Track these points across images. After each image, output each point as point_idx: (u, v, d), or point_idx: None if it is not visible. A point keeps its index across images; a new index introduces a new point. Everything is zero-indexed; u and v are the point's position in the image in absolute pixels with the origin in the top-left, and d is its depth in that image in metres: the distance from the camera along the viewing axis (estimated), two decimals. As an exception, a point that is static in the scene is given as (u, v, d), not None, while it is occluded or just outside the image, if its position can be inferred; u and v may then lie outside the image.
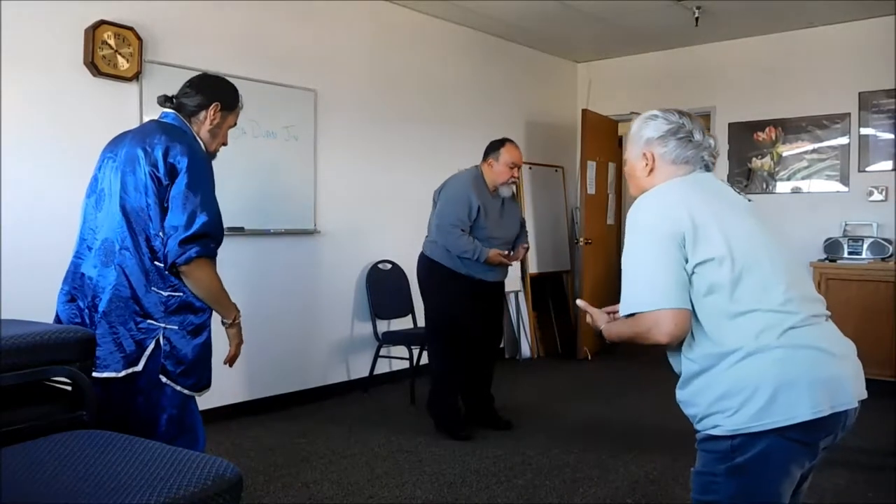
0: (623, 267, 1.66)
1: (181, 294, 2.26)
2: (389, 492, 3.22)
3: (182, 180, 2.20)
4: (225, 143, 2.49)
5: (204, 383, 2.36)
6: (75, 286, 2.31)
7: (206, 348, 2.35)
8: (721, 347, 1.55)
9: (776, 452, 1.52)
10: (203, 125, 2.39)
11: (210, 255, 2.24)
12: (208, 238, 2.22)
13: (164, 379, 2.25)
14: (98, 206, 2.31)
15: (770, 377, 1.50)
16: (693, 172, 1.75)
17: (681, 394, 1.67)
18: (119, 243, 2.23)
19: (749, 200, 1.77)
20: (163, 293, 2.24)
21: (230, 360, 2.48)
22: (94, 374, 2.18)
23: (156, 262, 2.23)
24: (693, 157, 1.75)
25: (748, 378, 1.52)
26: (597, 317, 1.88)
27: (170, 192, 2.20)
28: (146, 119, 3.25)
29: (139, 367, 2.22)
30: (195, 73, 2.61)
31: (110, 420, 2.17)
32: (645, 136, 1.79)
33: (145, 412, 2.27)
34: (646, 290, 1.59)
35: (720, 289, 1.55)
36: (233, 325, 2.43)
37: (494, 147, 4.05)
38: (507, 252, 4.01)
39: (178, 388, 2.28)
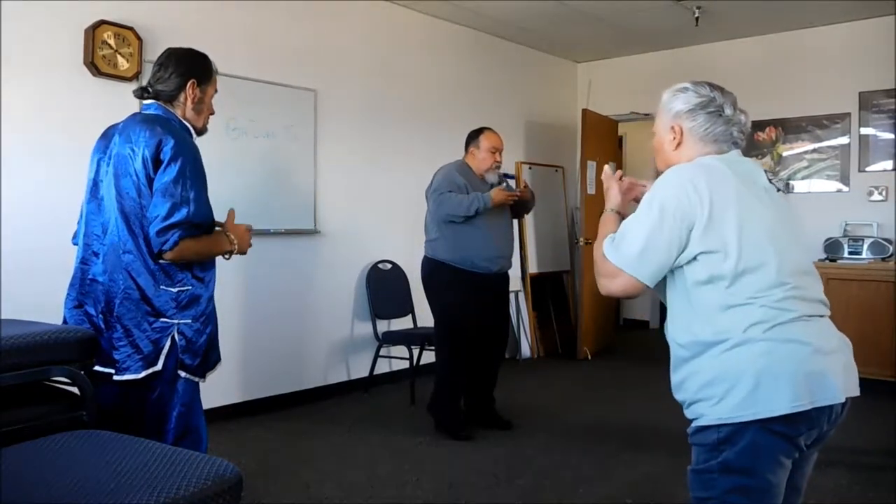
0: (628, 218, 1.69)
1: (190, 287, 2.29)
2: (389, 492, 3.22)
3: (167, 173, 2.19)
4: (212, 113, 2.46)
5: (211, 366, 2.41)
6: (83, 291, 2.32)
7: (216, 332, 2.40)
8: (710, 336, 1.57)
9: (762, 445, 1.53)
10: (185, 106, 2.36)
11: (193, 237, 2.22)
12: (191, 224, 2.20)
13: (182, 374, 2.28)
14: (101, 211, 2.31)
15: (753, 369, 1.52)
16: (727, 153, 1.71)
17: (672, 378, 1.69)
18: (122, 247, 2.23)
19: (779, 190, 1.73)
20: (172, 290, 2.25)
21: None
22: (115, 378, 2.22)
23: (160, 261, 2.24)
24: (723, 135, 1.72)
25: (732, 368, 1.54)
26: (611, 193, 1.89)
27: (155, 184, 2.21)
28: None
29: (158, 367, 2.24)
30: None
31: (123, 419, 2.21)
32: (674, 108, 1.76)
33: (158, 409, 2.30)
34: (626, 248, 1.62)
35: (719, 280, 1.56)
36: (233, 253, 2.42)
37: (474, 136, 4.13)
38: (503, 184, 4.03)
39: (197, 379, 2.33)
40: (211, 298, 2.37)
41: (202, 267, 2.34)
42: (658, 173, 1.77)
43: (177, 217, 2.17)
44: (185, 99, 2.35)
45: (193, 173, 2.23)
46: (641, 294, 1.66)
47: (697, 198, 1.58)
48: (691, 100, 1.74)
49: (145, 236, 2.22)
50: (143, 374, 2.22)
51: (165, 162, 2.19)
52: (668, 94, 1.80)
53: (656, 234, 1.59)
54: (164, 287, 2.24)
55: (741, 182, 1.63)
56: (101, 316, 2.27)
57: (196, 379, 2.33)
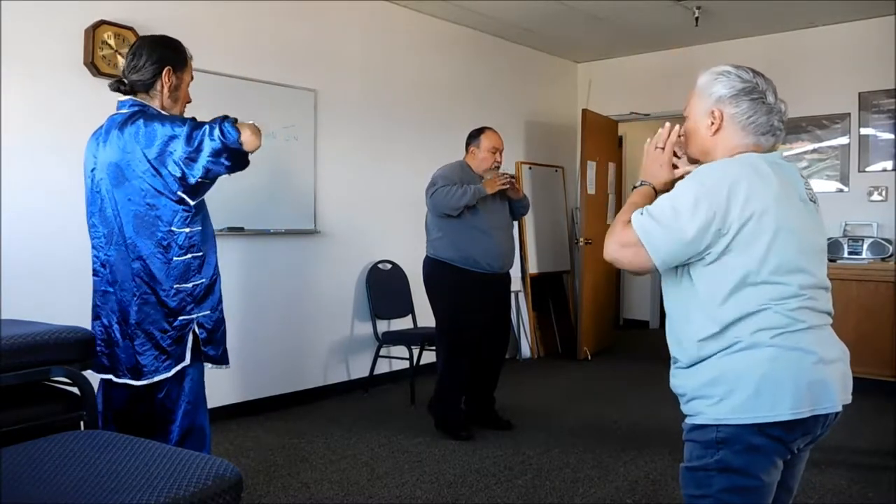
0: (662, 196, 1.61)
1: (204, 280, 2.32)
2: (389, 492, 3.22)
3: (178, 136, 2.20)
4: (189, 101, 2.45)
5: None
6: (97, 303, 2.36)
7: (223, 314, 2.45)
8: (720, 336, 1.55)
9: (759, 447, 1.54)
10: (162, 95, 2.35)
11: (229, 121, 2.21)
12: (223, 119, 2.22)
13: (210, 366, 2.35)
14: (105, 223, 2.31)
15: (757, 373, 1.52)
16: (772, 153, 1.66)
17: (673, 372, 1.68)
18: (132, 254, 2.24)
19: (812, 200, 1.68)
20: (188, 285, 2.27)
21: None
22: (143, 382, 2.25)
23: (175, 259, 2.25)
24: (765, 124, 1.66)
25: (736, 370, 1.53)
26: (665, 169, 1.77)
27: (176, 158, 2.21)
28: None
29: (187, 361, 2.29)
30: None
31: (133, 420, 2.23)
32: (716, 93, 1.69)
33: (165, 408, 2.32)
34: (652, 225, 1.56)
35: (741, 284, 1.54)
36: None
37: (474, 135, 4.14)
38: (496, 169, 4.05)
39: (223, 367, 2.39)
40: (218, 278, 2.40)
41: (208, 252, 2.36)
42: (691, 160, 1.74)
43: (211, 126, 2.18)
44: (162, 87, 2.34)
45: (184, 122, 2.24)
46: (644, 274, 1.65)
47: (737, 201, 1.53)
48: (735, 84, 1.68)
49: (158, 239, 2.23)
50: (174, 371, 2.27)
51: (171, 137, 2.20)
52: (708, 76, 1.73)
53: (685, 223, 1.53)
54: (177, 285, 2.26)
55: (782, 189, 1.58)
56: (116, 326, 2.28)
57: (222, 367, 2.38)
